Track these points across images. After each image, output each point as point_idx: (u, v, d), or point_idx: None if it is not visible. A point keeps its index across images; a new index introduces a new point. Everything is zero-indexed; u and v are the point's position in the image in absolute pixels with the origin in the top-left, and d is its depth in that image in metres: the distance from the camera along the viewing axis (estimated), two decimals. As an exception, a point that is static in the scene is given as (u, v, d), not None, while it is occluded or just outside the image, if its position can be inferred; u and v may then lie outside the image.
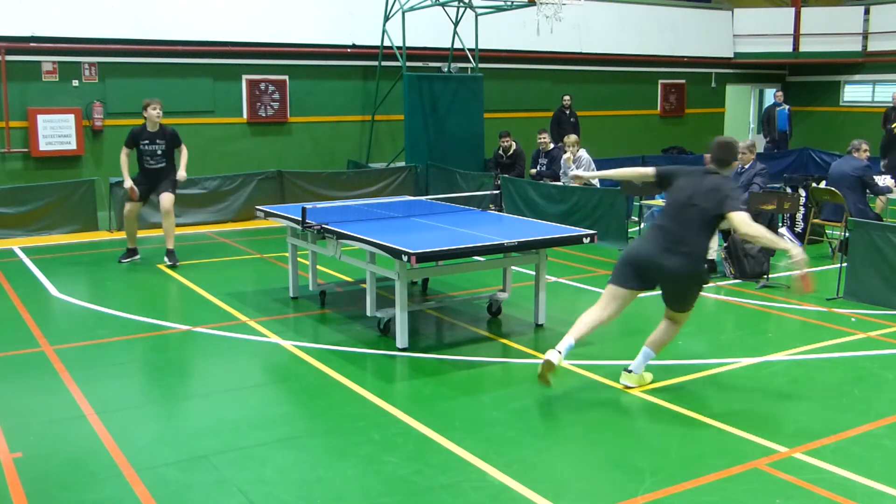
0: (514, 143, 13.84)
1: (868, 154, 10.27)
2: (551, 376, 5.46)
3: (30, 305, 8.01)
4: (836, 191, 9.89)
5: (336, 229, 7.11)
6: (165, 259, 9.86)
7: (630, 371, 5.80)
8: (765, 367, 6.24)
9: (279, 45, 14.94)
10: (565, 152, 12.16)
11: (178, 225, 12.26)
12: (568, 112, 16.08)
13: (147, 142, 9.68)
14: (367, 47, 15.51)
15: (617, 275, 5.67)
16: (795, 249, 5.30)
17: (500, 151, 13.94)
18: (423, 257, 6.17)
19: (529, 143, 14.27)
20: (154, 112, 9.62)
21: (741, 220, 5.32)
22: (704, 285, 5.65)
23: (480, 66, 15.66)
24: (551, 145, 13.32)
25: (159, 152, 9.74)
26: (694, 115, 20.46)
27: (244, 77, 14.84)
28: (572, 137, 12.14)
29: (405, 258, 6.15)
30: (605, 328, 7.51)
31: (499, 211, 8.45)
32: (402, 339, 6.63)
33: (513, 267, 7.85)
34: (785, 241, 5.59)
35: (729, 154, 5.65)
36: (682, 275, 5.47)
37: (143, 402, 5.64)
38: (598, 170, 11.99)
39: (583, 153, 11.98)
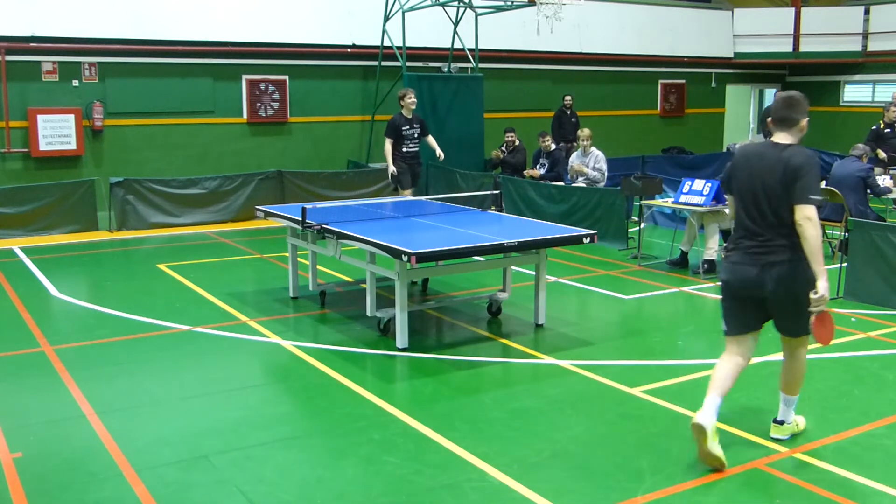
0: (517, 140, 13.95)
1: (868, 157, 10.34)
2: (714, 448, 4.48)
3: (30, 305, 8.01)
4: (836, 191, 9.89)
5: (336, 229, 7.11)
6: None
7: (780, 422, 4.97)
8: (765, 367, 6.23)
9: (279, 45, 14.93)
10: (578, 145, 12.19)
11: (178, 225, 12.36)
12: (569, 112, 16.08)
13: (407, 127, 10.94)
14: (367, 47, 15.49)
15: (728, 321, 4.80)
16: (824, 283, 4.41)
17: (503, 147, 14.04)
18: (423, 257, 6.17)
19: (529, 143, 14.28)
20: (410, 101, 10.88)
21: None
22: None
23: (480, 66, 15.65)
24: (552, 146, 13.35)
25: (416, 136, 11.05)
26: (694, 115, 20.45)
27: (244, 77, 14.83)
28: (586, 132, 12.16)
29: (405, 258, 6.15)
30: (605, 328, 7.57)
31: (499, 211, 8.45)
32: (402, 339, 6.63)
33: (513, 267, 7.85)
34: (822, 267, 4.42)
35: (795, 111, 4.58)
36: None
37: (143, 402, 5.63)
38: (607, 170, 12.08)
39: (594, 150, 12.02)
